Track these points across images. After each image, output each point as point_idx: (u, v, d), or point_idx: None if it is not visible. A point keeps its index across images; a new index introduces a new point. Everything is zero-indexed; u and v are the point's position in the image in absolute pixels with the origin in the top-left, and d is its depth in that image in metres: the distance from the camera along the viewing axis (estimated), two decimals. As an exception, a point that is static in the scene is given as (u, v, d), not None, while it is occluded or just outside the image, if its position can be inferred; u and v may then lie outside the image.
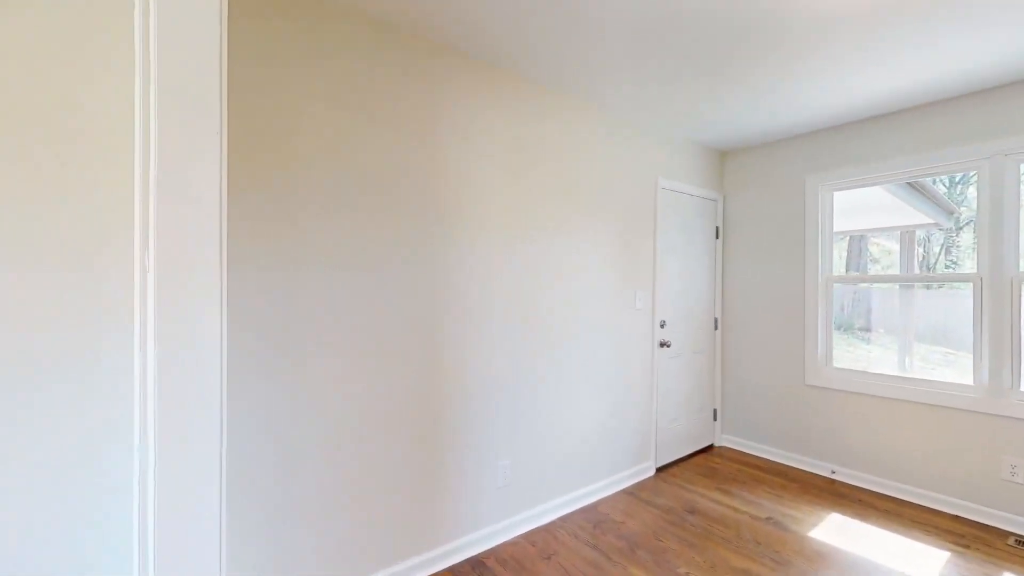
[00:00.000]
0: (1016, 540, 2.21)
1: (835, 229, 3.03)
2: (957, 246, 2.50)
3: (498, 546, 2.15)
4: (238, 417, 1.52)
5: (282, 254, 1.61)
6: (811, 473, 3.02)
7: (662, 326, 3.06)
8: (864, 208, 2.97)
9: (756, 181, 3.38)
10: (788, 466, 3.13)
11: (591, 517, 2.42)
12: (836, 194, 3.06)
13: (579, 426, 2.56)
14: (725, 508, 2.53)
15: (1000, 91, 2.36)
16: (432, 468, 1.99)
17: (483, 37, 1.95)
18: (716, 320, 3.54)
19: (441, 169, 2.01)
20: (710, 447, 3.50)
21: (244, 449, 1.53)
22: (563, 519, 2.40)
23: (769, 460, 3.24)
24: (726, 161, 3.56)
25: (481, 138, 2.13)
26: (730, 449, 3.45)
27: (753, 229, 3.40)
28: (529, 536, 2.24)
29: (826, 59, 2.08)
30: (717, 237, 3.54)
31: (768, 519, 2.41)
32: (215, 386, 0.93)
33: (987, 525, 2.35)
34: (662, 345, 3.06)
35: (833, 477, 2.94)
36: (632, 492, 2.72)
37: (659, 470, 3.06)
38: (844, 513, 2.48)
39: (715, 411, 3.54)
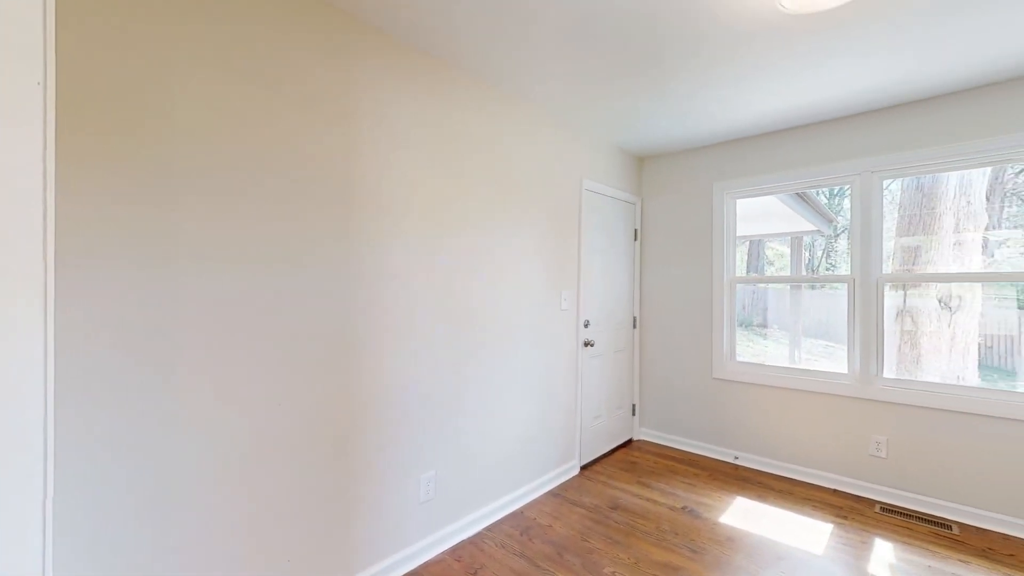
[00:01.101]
0: (881, 508, 2.55)
1: (738, 234, 3.30)
2: (835, 251, 2.81)
3: (421, 566, 2.00)
4: (83, 450, 1.22)
5: (157, 247, 1.32)
6: (719, 460, 3.24)
7: (586, 326, 3.10)
8: (762, 215, 3.27)
9: (670, 186, 3.57)
10: (699, 455, 3.34)
11: (519, 523, 2.36)
12: (739, 201, 3.32)
13: (507, 430, 2.49)
14: (645, 501, 2.62)
15: (868, 116, 2.70)
16: (346, 488, 1.79)
17: (407, 19, 1.79)
18: (635, 319, 3.68)
19: (358, 156, 1.81)
20: (630, 441, 3.63)
21: (94, 492, 1.23)
22: (490, 528, 2.31)
23: (683, 450, 3.43)
24: (644, 166, 3.72)
25: (404, 125, 1.97)
26: (648, 442, 3.61)
27: (668, 232, 3.59)
28: (455, 551, 2.12)
29: (731, 77, 2.22)
30: (636, 239, 3.68)
31: (684, 508, 2.53)
32: (34, 417, 0.70)
33: (860, 496, 2.68)
34: (586, 344, 3.10)
35: (737, 463, 3.19)
36: (558, 493, 2.72)
37: (583, 468, 3.10)
38: (748, 496, 2.68)
39: (634, 406, 3.68)
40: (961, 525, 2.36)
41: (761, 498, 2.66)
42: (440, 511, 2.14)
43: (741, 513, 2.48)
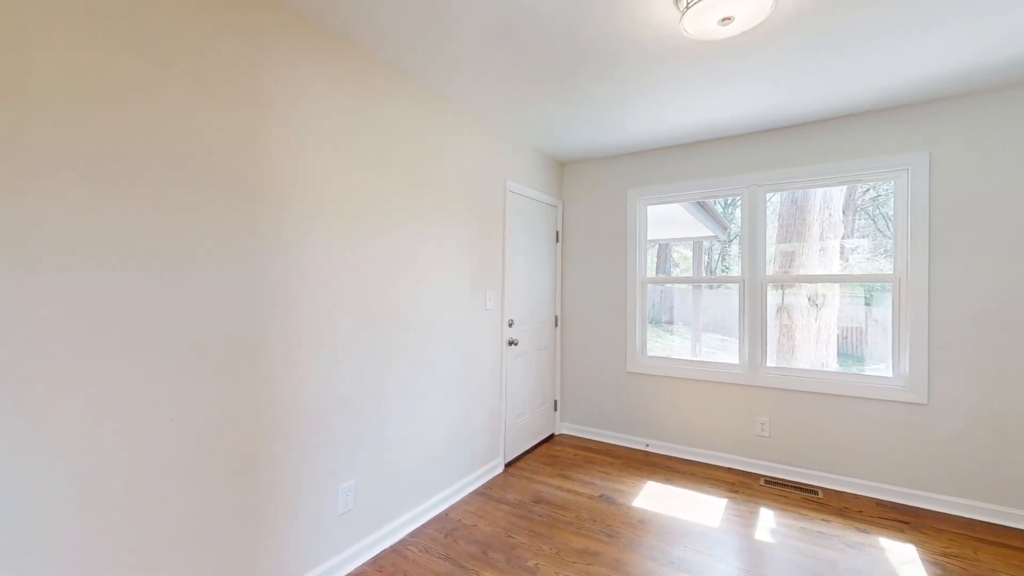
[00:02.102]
0: (765, 480, 2.91)
1: (649, 238, 3.57)
2: (729, 255, 3.13)
3: (339, 582, 1.90)
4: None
5: (6, 242, 1.11)
6: (632, 449, 3.48)
7: (510, 325, 3.15)
8: (669, 221, 3.57)
9: (589, 191, 3.76)
10: (615, 445, 3.56)
11: (444, 526, 2.34)
12: (649, 207, 3.59)
13: (432, 433, 2.46)
14: (566, 493, 2.73)
15: (756, 136, 3.06)
16: (253, 508, 1.64)
17: (325, 5, 1.68)
18: (556, 318, 3.82)
19: (268, 145, 1.67)
20: (551, 436, 3.76)
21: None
22: (415, 533, 2.26)
23: (600, 442, 3.63)
24: (565, 171, 3.87)
25: (322, 114, 1.85)
26: (569, 436, 3.76)
27: (587, 235, 3.77)
28: (376, 561, 2.04)
29: (643, 92, 2.40)
30: (557, 241, 3.82)
31: (601, 496, 2.68)
32: None
33: (748, 472, 3.04)
34: (510, 344, 3.15)
35: (648, 450, 3.45)
36: (483, 492, 2.74)
37: (508, 465, 3.16)
38: (657, 480, 2.92)
39: (555, 402, 3.82)
40: (824, 490, 2.77)
41: (668, 481, 2.91)
42: (361, 521, 2.05)
43: (651, 496, 2.69)
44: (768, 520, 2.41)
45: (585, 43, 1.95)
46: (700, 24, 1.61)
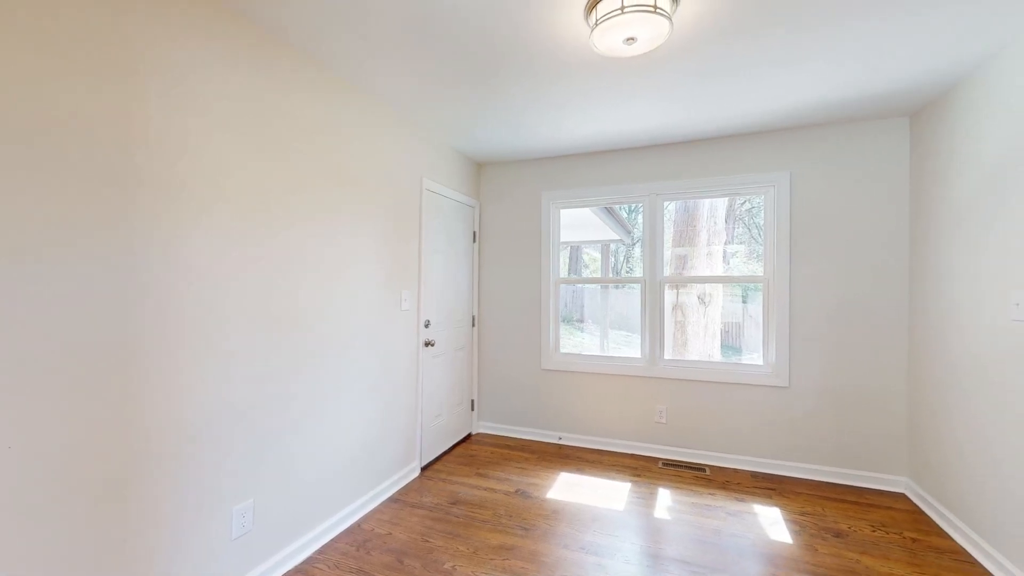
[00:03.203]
0: (663, 463, 3.20)
1: (562, 240, 3.73)
2: (632, 257, 3.38)
3: (234, 613, 1.72)
4: None
5: None
6: (547, 443, 3.61)
7: (427, 326, 3.10)
8: (580, 224, 3.77)
9: (506, 193, 3.82)
10: (530, 440, 3.67)
11: (356, 538, 2.23)
12: (562, 211, 3.75)
13: (342, 441, 2.32)
14: (483, 491, 2.75)
15: (656, 148, 3.35)
16: (122, 543, 1.42)
17: (208, -33, 1.51)
18: (474, 318, 3.83)
19: (145, 127, 1.45)
20: (469, 436, 3.76)
21: None
22: (323, 549, 2.12)
23: (517, 438, 3.71)
24: (483, 172, 3.90)
25: (213, 95, 1.66)
26: (486, 435, 3.79)
27: (504, 235, 3.83)
28: (278, 585, 1.88)
29: (556, 101, 2.50)
30: (475, 241, 3.83)
31: (517, 492, 2.75)
32: None
33: (648, 456, 3.32)
34: (427, 344, 3.10)
35: (561, 443, 3.60)
36: (399, 498, 2.66)
37: (425, 468, 3.10)
38: (569, 471, 3.06)
39: (472, 402, 3.83)
40: (711, 467, 3.12)
41: (580, 471, 3.07)
42: (261, 543, 1.87)
43: (564, 487, 2.81)
44: (665, 499, 2.65)
45: (502, 47, 1.99)
46: (607, 41, 1.72)
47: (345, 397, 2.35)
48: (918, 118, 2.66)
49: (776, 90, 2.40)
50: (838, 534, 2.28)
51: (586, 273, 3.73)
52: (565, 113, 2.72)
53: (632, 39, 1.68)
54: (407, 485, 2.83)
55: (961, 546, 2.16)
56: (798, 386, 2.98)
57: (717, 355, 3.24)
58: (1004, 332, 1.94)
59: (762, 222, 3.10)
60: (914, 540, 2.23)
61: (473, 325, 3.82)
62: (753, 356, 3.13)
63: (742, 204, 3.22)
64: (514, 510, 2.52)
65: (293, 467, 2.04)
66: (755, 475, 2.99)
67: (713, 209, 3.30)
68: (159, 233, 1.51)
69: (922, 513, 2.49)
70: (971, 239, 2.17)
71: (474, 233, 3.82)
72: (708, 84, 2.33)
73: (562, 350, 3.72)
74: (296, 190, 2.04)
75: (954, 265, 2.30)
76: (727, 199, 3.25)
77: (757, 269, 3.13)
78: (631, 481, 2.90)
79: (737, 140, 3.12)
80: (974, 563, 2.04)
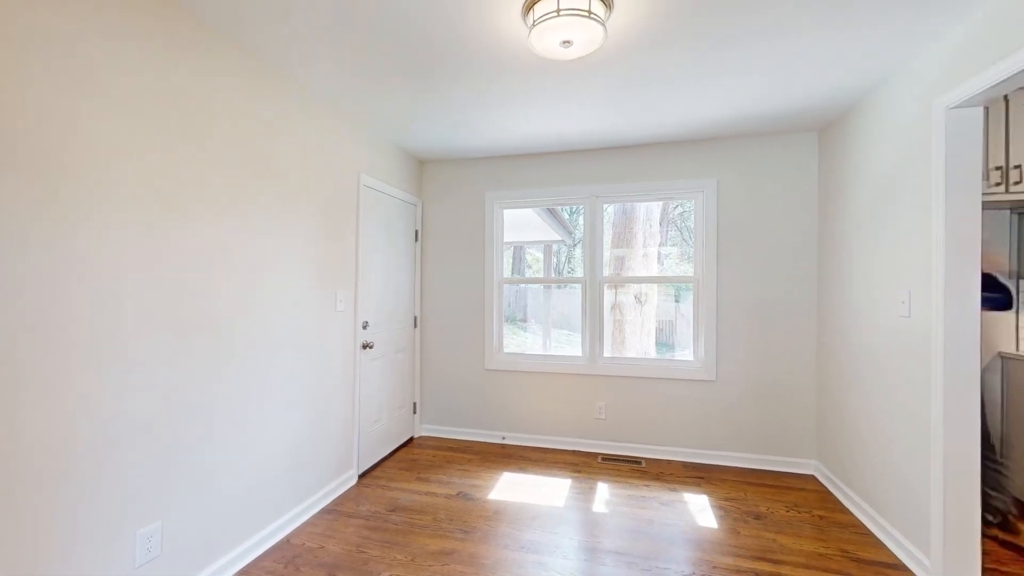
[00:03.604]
0: (602, 458, 3.29)
1: (505, 240, 3.74)
2: (574, 257, 3.45)
3: (138, 648, 1.55)
4: None
5: None
6: (490, 443, 3.60)
7: (364, 327, 2.98)
8: (523, 224, 3.80)
9: (449, 191, 3.77)
10: (474, 441, 3.64)
11: (284, 554, 2.09)
12: (506, 211, 3.76)
13: (269, 451, 2.17)
14: (424, 496, 2.69)
15: (596, 152, 3.44)
16: (-6, 582, 1.24)
17: (103, -72, 1.35)
18: (416, 319, 3.74)
19: (21, 105, 1.27)
20: (411, 440, 3.67)
21: None
22: (246, 570, 1.97)
23: (460, 439, 3.67)
24: (425, 169, 3.82)
25: (105, 73, 1.48)
26: (429, 437, 3.72)
27: (447, 235, 3.77)
28: (192, 613, 1.72)
29: (496, 100, 2.50)
30: (417, 240, 3.74)
31: (459, 494, 2.71)
32: None
33: (589, 452, 3.40)
34: (365, 347, 2.98)
35: (504, 442, 3.61)
36: (333, 508, 2.53)
37: (362, 475, 2.98)
38: (512, 471, 3.07)
39: (415, 404, 3.74)
40: (647, 460, 3.26)
41: (522, 470, 3.08)
42: (171, 569, 1.70)
43: (507, 487, 2.81)
44: (604, 493, 2.73)
45: (440, 44, 1.95)
46: (545, 43, 1.74)
47: (271, 404, 2.20)
48: (824, 134, 2.93)
49: (701, 101, 2.54)
50: (758, 516, 2.45)
51: (529, 273, 3.76)
52: (505, 113, 2.72)
53: (568, 42, 1.71)
54: (343, 494, 2.71)
55: (860, 520, 2.40)
56: (724, 380, 3.19)
57: (652, 352, 3.39)
58: (893, 328, 2.18)
59: (692, 226, 3.28)
60: (821, 517, 2.45)
61: (415, 326, 3.73)
62: (685, 352, 3.30)
63: (675, 208, 3.39)
64: (455, 513, 2.48)
65: (211, 482, 1.88)
66: (686, 465, 3.16)
67: (649, 212, 3.45)
68: (40, 224, 1.33)
69: (829, 493, 2.74)
70: (868, 245, 2.41)
71: (416, 232, 3.73)
72: (640, 92, 2.42)
73: (506, 350, 3.73)
74: (213, 181, 1.88)
75: (854, 269, 2.55)
76: (661, 203, 3.40)
77: (688, 270, 3.30)
78: (572, 477, 2.96)
79: (670, 147, 3.28)
80: (869, 534, 2.27)
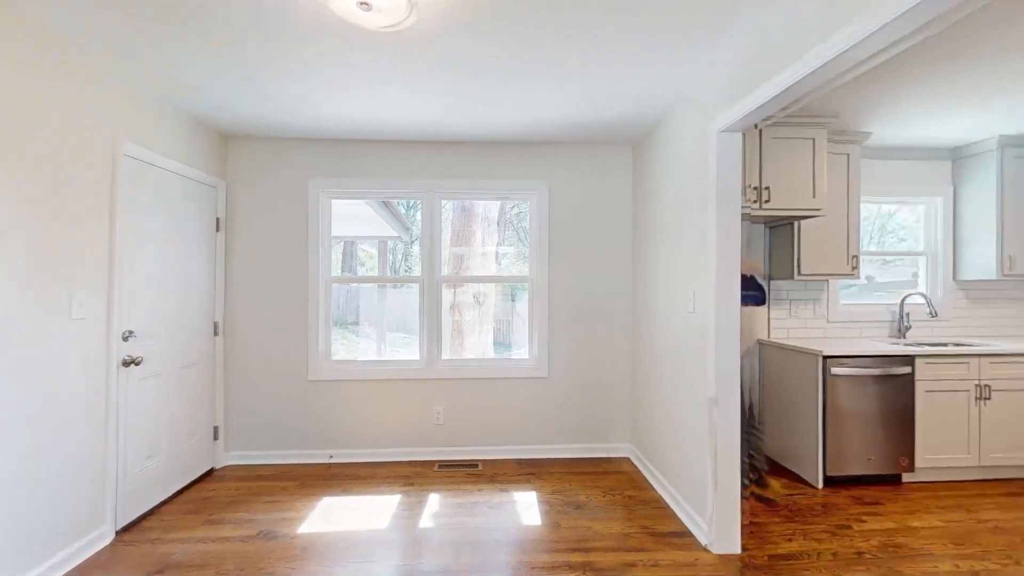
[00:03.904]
0: (439, 465, 3.14)
1: (334, 234, 3.33)
2: (411, 255, 3.23)
3: None
4: None
5: None
6: (314, 464, 3.16)
7: (126, 338, 2.31)
8: (355, 218, 3.44)
9: (265, 175, 3.21)
10: (294, 464, 3.16)
11: (-52, 675, 1.44)
12: (334, 202, 3.36)
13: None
14: (211, 544, 2.18)
15: (433, 145, 3.27)
16: None
17: None
18: (217, 325, 3.09)
19: None
20: (210, 472, 3.02)
21: None
22: None
23: (276, 464, 3.15)
24: (231, 146, 3.19)
25: None
26: (235, 467, 3.11)
27: (261, 226, 3.21)
28: None
29: (303, 70, 2.15)
30: (218, 230, 3.10)
31: (260, 534, 2.27)
32: None
33: (426, 460, 3.22)
34: (128, 363, 2.31)
35: (332, 461, 3.21)
36: (62, 586, 1.87)
37: (124, 529, 2.31)
38: (334, 493, 2.71)
39: (216, 429, 3.10)
40: (484, 461, 3.21)
41: (346, 491, 2.75)
42: None
43: (324, 515, 2.46)
44: (434, 505, 2.57)
45: (206, -22, 1.55)
46: (340, 1, 1.49)
47: (-68, 457, 1.50)
48: (637, 148, 3.24)
49: (529, 101, 2.56)
50: (578, 506, 2.56)
51: (362, 271, 3.42)
52: (324, 87, 2.37)
53: (366, 3, 1.49)
54: (88, 561, 2.04)
55: (661, 496, 2.68)
56: (555, 376, 3.31)
57: (491, 352, 3.37)
58: (684, 323, 2.46)
59: (528, 227, 3.35)
60: (631, 497, 2.67)
61: (216, 334, 3.09)
62: (521, 351, 3.36)
63: (512, 208, 3.42)
64: (249, 560, 2.05)
65: None
66: (521, 463, 3.20)
67: (488, 211, 3.42)
68: None
69: (639, 473, 3.02)
70: (669, 250, 2.71)
71: (218, 220, 3.09)
72: (466, 82, 2.33)
73: (335, 357, 3.32)
74: None
75: (659, 271, 2.85)
76: (499, 202, 3.40)
77: (524, 270, 3.36)
78: (402, 492, 2.73)
79: (507, 148, 3.29)
80: (667, 508, 2.54)
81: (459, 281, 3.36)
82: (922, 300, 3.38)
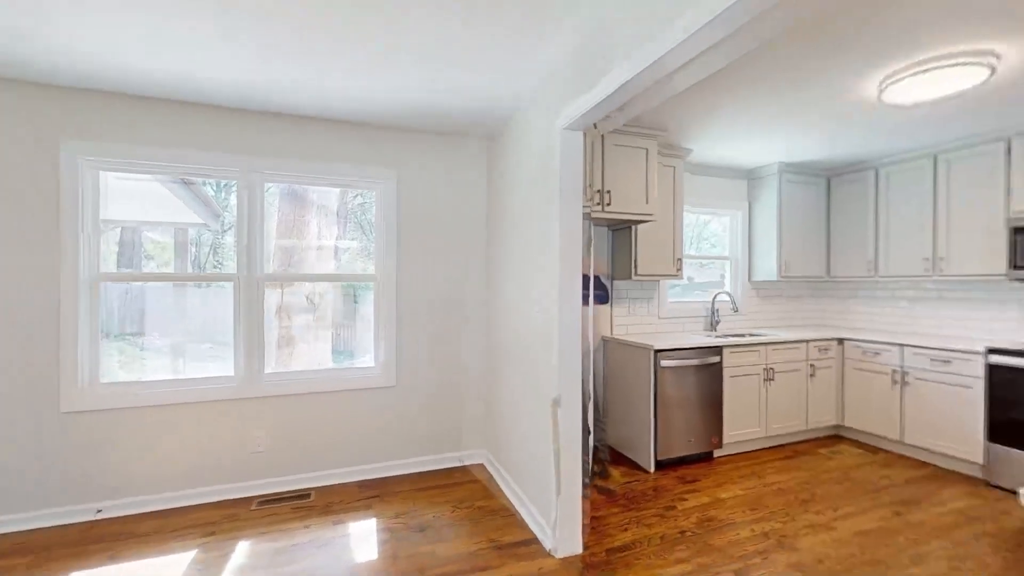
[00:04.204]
0: (259, 502, 2.60)
1: (106, 217, 2.52)
2: (223, 247, 2.63)
3: None
4: None
5: None
6: (70, 525, 2.35)
7: None
8: (142, 196, 2.67)
9: (-19, 129, 2.28)
10: (37, 530, 2.30)
11: None
12: (108, 175, 2.55)
13: None
14: None
15: (249, 115, 2.70)
16: None
17: None
18: None
19: None
20: None
21: None
22: None
23: (7, 533, 2.26)
24: (-87, 81, 2.18)
25: None
26: (-80, 549, 2.13)
27: (-25, 200, 2.27)
28: None
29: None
30: None
31: (-61, 652, 1.53)
32: None
33: (241, 498, 2.64)
34: None
35: (99, 518, 2.42)
36: None
37: None
38: (91, 565, 2.02)
39: None
40: (318, 489, 2.76)
41: (113, 557, 2.07)
42: None
43: (65, 599, 1.79)
44: (241, 557, 2.08)
45: None
46: None
47: None
48: (493, 142, 3.14)
49: (356, 71, 2.24)
50: (423, 528, 2.32)
51: (151, 266, 2.70)
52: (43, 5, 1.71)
53: None
54: None
55: (511, 503, 2.59)
56: (404, 383, 3.03)
57: (328, 361, 2.93)
58: (533, 322, 2.41)
59: (374, 219, 3.00)
60: (481, 508, 2.53)
61: None
62: (365, 358, 2.99)
63: (355, 198, 3.03)
64: None
65: None
66: (363, 485, 2.84)
67: (325, 199, 2.97)
68: None
69: (492, 479, 2.92)
70: (520, 247, 2.64)
71: None
72: (280, 33, 1.92)
73: (105, 379, 2.52)
74: None
75: (511, 269, 2.77)
76: (339, 190, 2.98)
77: (369, 267, 3.00)
78: (200, 546, 2.17)
79: (350, 129, 2.89)
80: (516, 515, 2.46)
81: (289, 280, 2.85)
82: (727, 298, 3.95)
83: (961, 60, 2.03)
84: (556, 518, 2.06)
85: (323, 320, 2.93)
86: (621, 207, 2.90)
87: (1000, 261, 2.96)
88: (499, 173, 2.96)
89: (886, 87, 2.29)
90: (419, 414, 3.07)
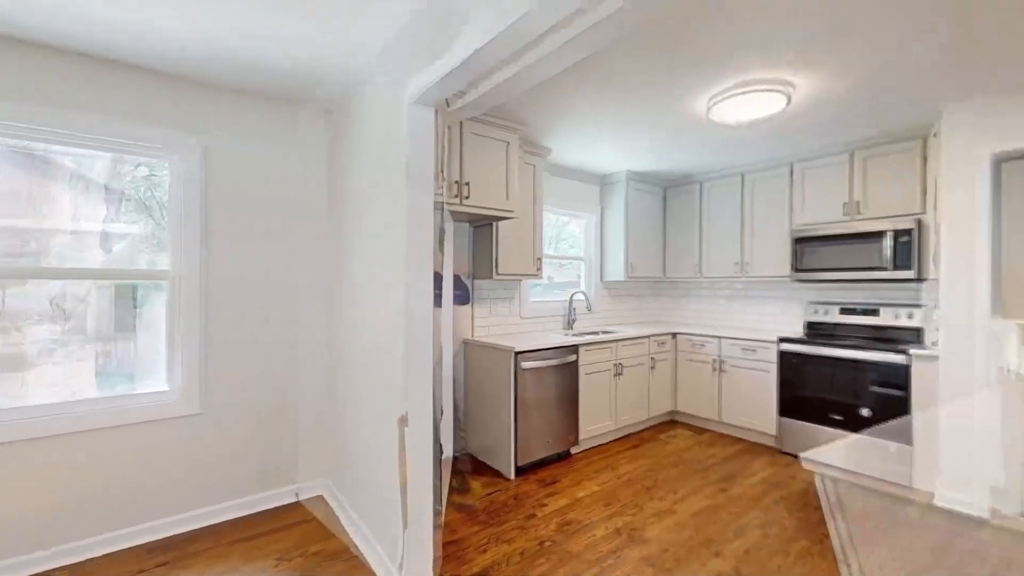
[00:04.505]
0: (-45, 607, 1.75)
1: None
2: None
3: None
4: None
5: None
6: None
7: None
8: None
9: None
10: None
11: None
12: None
13: None
14: None
15: None
16: None
17: None
18: None
19: None
20: None
21: None
22: None
23: None
24: None
25: None
26: None
27: None
28: None
29: None
30: None
31: None
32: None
33: (-79, 607, 1.76)
34: None
35: None
36: None
37: None
38: None
39: None
40: (79, 566, 1.99)
41: None
42: None
43: None
44: None
45: None
46: None
47: None
48: (336, 113, 2.66)
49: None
50: (231, 597, 1.81)
51: None
52: None
53: None
54: None
55: (354, 542, 2.20)
56: (215, 409, 2.39)
57: (92, 389, 2.15)
58: (382, 326, 2.06)
59: (166, 199, 2.29)
60: (315, 554, 2.10)
61: None
62: (153, 381, 2.27)
63: (135, 168, 2.28)
64: None
65: None
66: (152, 547, 2.14)
67: (86, 166, 2.17)
68: None
69: (333, 514, 2.47)
70: (365, 239, 2.25)
71: None
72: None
73: None
74: None
75: (355, 265, 2.36)
76: (111, 156, 2.21)
77: (161, 262, 2.29)
78: None
79: (128, 73, 2.15)
80: (358, 557, 2.09)
81: (23, 275, 2.00)
82: (583, 297, 4.11)
83: (767, 87, 2.32)
84: (403, 557, 1.76)
85: (82, 333, 2.13)
86: (480, 200, 2.72)
87: (786, 265, 3.59)
88: (343, 151, 2.52)
89: (713, 105, 2.53)
90: (240, 445, 2.46)
